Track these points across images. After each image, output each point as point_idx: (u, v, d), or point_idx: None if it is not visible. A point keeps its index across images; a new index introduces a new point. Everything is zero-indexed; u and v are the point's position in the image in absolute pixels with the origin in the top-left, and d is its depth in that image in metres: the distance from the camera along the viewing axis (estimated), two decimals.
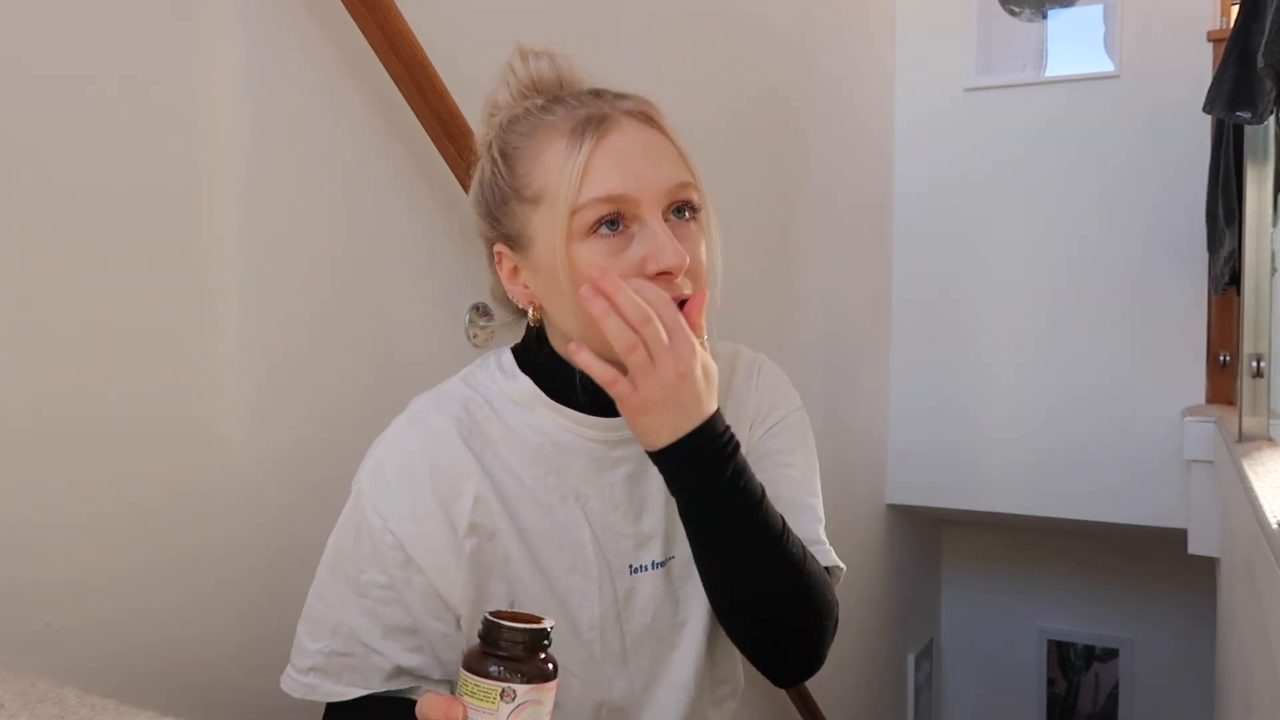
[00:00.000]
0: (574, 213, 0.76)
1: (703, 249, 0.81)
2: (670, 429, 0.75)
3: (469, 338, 1.27)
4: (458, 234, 1.25)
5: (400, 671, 0.81)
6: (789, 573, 0.81)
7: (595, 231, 0.77)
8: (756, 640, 0.85)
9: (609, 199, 0.76)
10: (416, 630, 0.80)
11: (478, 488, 0.81)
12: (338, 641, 0.80)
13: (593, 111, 0.78)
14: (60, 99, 0.83)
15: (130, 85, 0.88)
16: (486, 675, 0.64)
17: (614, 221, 0.77)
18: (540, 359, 0.85)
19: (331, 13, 1.06)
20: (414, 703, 0.78)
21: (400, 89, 1.11)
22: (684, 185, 0.79)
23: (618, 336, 0.73)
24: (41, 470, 0.83)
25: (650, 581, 0.87)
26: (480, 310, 1.28)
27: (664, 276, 0.76)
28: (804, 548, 0.83)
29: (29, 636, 0.82)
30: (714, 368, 0.78)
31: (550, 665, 0.66)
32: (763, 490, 0.80)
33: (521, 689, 0.63)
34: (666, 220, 0.79)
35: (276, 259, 1.03)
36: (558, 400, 0.84)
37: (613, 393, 0.75)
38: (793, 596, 0.81)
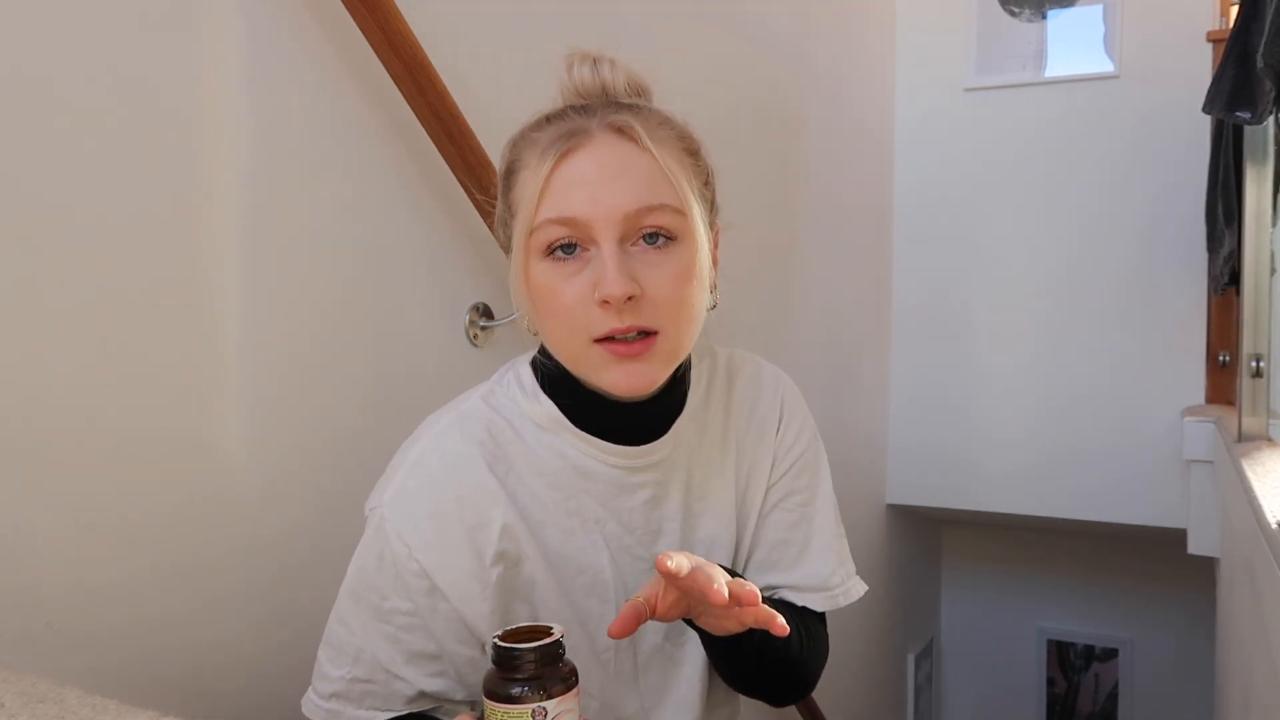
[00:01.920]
0: (531, 232, 0.75)
1: (677, 278, 0.76)
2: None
3: (469, 338, 1.27)
4: (458, 234, 1.26)
5: (423, 695, 0.81)
6: (795, 676, 0.89)
7: (551, 253, 0.75)
8: (756, 696, 0.93)
9: (560, 221, 0.74)
10: (440, 656, 0.80)
11: (504, 516, 0.79)
12: (360, 668, 0.80)
13: (571, 127, 0.76)
14: (59, 99, 0.83)
15: (130, 85, 0.88)
16: (512, 699, 0.63)
17: (569, 245, 0.75)
18: (555, 373, 0.83)
19: (331, 13, 1.06)
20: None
21: (400, 89, 1.11)
22: (651, 209, 0.74)
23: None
24: (42, 475, 0.83)
25: None
26: (480, 310, 1.28)
27: (606, 306, 0.74)
28: (809, 639, 0.89)
29: (29, 638, 0.82)
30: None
31: (572, 674, 0.65)
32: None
33: (551, 704, 0.63)
34: (634, 245, 0.75)
35: (276, 259, 1.03)
36: (579, 424, 0.82)
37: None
38: (794, 686, 0.91)
